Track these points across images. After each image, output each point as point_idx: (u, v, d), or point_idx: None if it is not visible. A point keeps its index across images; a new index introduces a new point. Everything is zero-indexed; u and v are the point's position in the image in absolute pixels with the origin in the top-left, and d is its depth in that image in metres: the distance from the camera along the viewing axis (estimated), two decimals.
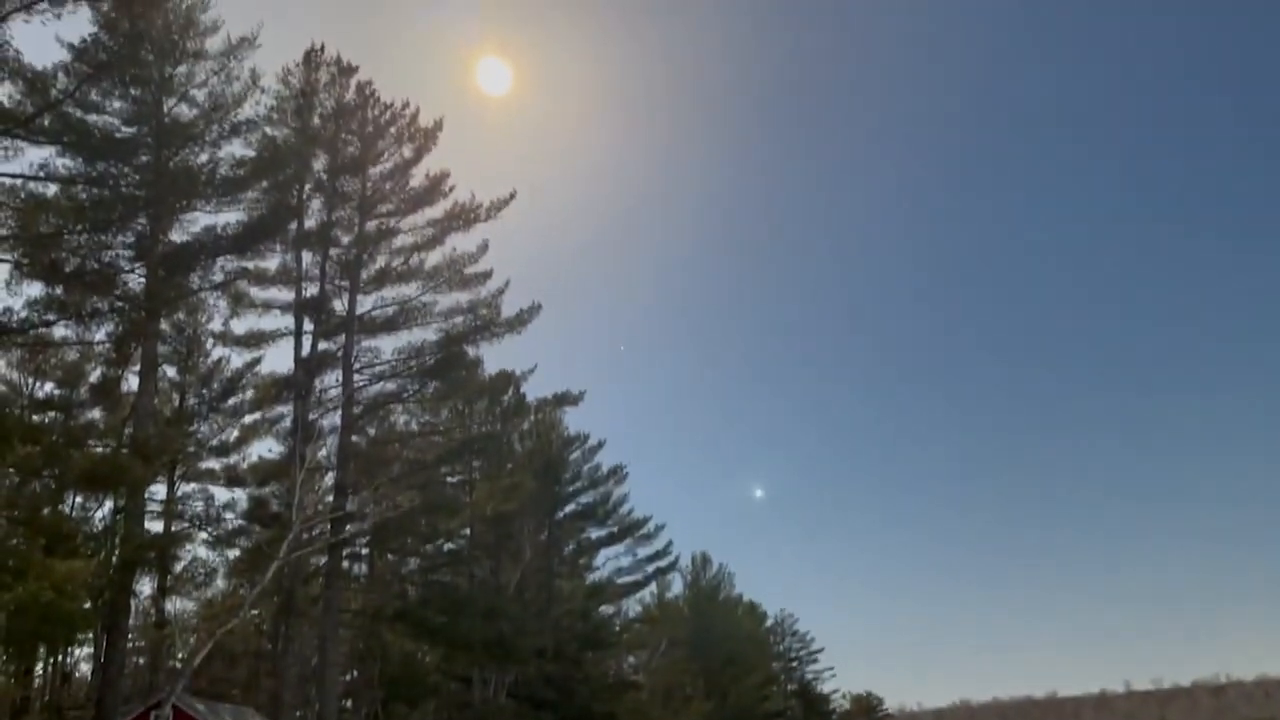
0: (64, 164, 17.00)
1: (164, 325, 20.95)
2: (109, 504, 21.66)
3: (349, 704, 33.89)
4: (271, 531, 19.12)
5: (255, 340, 23.18)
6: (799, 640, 79.55)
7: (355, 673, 33.23)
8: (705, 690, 52.18)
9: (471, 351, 24.18)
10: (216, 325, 22.79)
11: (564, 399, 33.18)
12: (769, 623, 74.33)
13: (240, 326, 23.09)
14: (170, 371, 22.79)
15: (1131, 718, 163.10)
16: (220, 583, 26.49)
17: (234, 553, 22.70)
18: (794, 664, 79.31)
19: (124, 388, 21.01)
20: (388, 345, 23.28)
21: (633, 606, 46.87)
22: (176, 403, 23.24)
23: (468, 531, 29.47)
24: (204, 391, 23.03)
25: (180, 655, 27.61)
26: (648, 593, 50.21)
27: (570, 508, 37.47)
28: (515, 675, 31.60)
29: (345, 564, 23.32)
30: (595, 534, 39.18)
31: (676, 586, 58.90)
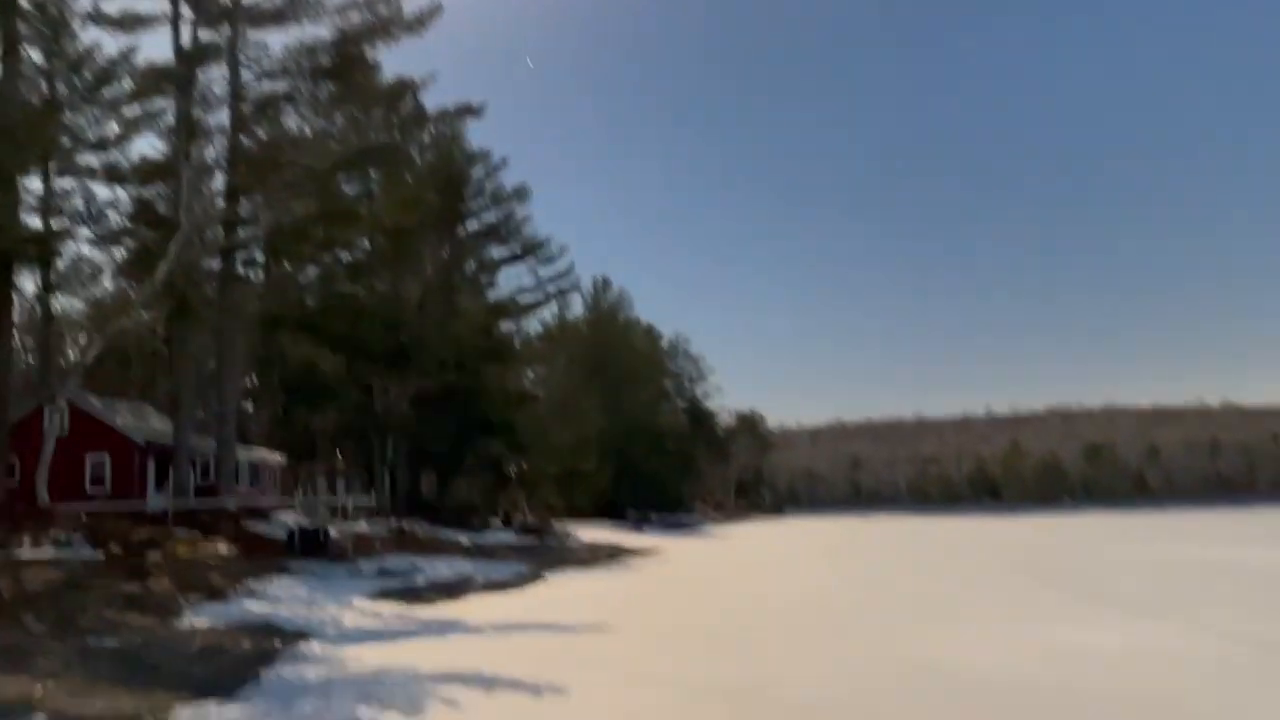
0: None
1: (24, 1, 18.99)
2: None
3: (250, 407, 34.53)
4: (159, 233, 18.48)
5: (130, 23, 21.24)
6: (691, 361, 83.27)
7: (255, 377, 33.62)
8: (600, 405, 54.79)
9: (369, 53, 22.79)
10: (85, 2, 20.71)
11: (466, 110, 31.86)
12: (664, 344, 77.27)
13: (112, 6, 21.07)
14: (36, 56, 20.86)
15: (988, 438, 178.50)
16: (108, 283, 25.85)
17: (120, 253, 21.99)
18: (686, 383, 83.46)
19: None
20: (277, 41, 21.63)
21: (533, 325, 47.92)
22: (45, 90, 21.48)
23: (367, 244, 29.06)
24: (75, 79, 21.25)
25: (71, 354, 27.37)
26: (548, 312, 51.20)
27: (473, 225, 37.15)
28: (416, 385, 32.47)
29: (240, 269, 22.90)
30: (497, 253, 39.16)
31: (577, 308, 60.16)
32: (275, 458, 29.29)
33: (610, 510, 53.30)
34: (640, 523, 53.31)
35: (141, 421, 25.17)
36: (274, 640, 10.29)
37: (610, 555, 29.16)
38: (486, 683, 7.76)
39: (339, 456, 37.42)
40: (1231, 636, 9.08)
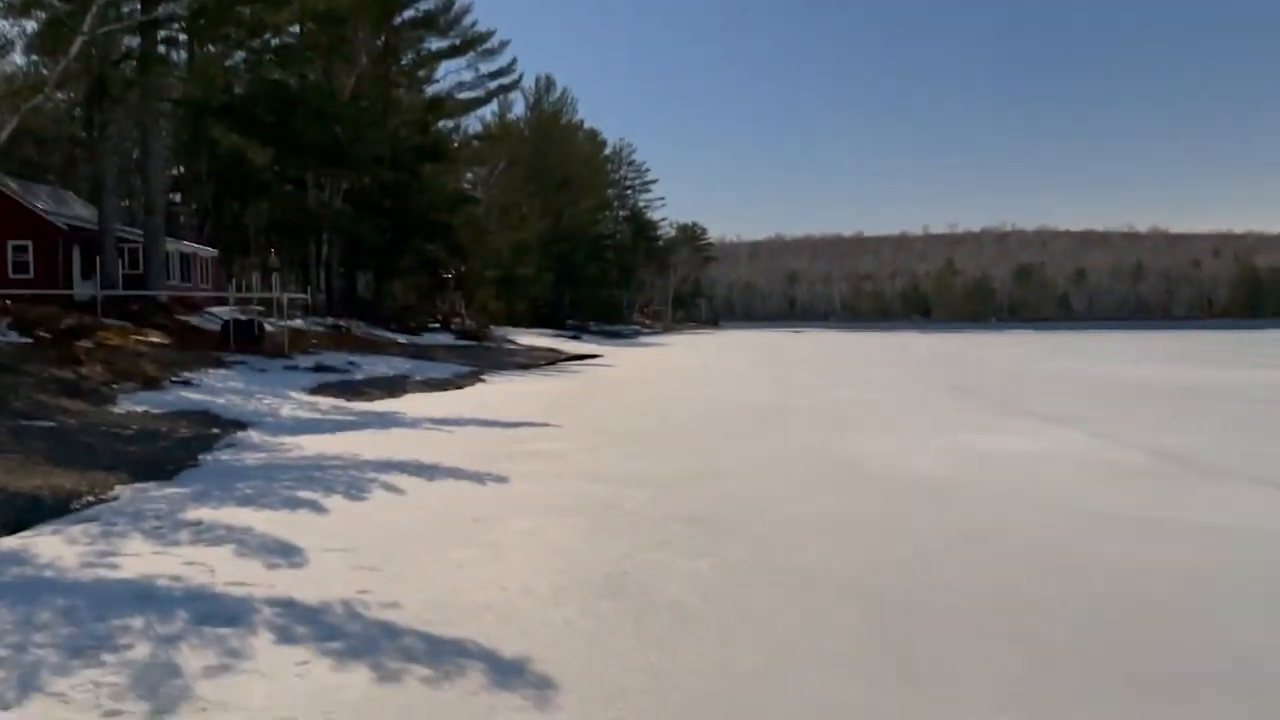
0: None
1: None
2: None
3: (178, 197, 33.36)
4: (71, 4, 17.19)
5: None
6: (634, 170, 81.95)
7: (182, 167, 32.32)
8: (540, 210, 54.05)
9: None
10: None
11: None
12: (607, 151, 75.65)
13: None
14: None
15: (924, 255, 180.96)
16: (19, 58, 24.22)
17: (31, 24, 20.48)
18: (628, 192, 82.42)
19: None
20: None
21: (473, 123, 46.41)
22: None
23: (298, 29, 27.42)
24: None
25: None
26: (489, 111, 49.50)
27: (409, 13, 35.21)
28: (350, 181, 31.56)
29: (161, 49, 21.54)
30: (436, 45, 37.39)
31: (519, 108, 58.22)
32: (207, 251, 28.61)
33: (549, 318, 53.60)
34: (579, 331, 53.82)
35: (64, 207, 24.23)
36: (211, 428, 10.40)
37: (549, 360, 29.59)
38: (428, 470, 7.99)
39: (273, 253, 36.67)
40: (1129, 444, 9.66)
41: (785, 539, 5.64)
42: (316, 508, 6.46)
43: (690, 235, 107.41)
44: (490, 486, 7.40)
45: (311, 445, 9.52)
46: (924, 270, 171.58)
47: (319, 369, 17.75)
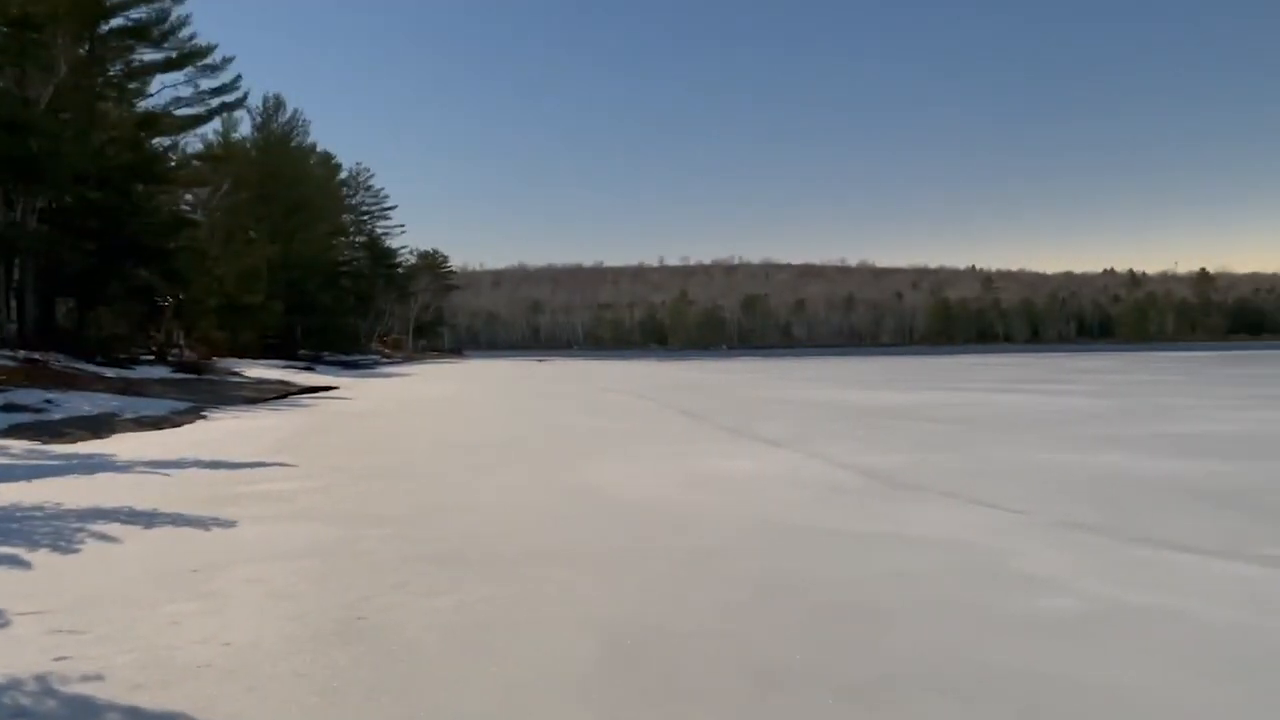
0: None
1: None
2: None
3: None
4: None
5: None
6: (372, 195, 79.87)
7: None
8: (270, 235, 51.34)
9: None
10: None
11: None
12: (343, 175, 73.24)
13: None
14: None
15: (661, 286, 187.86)
16: None
17: None
18: (365, 218, 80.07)
19: None
20: None
21: (193, 143, 43.44)
22: None
23: None
24: None
25: None
26: (211, 129, 46.61)
27: (118, 20, 32.57)
28: (49, 199, 28.61)
29: None
30: (148, 56, 34.78)
31: (245, 128, 55.21)
32: None
33: (280, 349, 50.85)
34: (313, 362, 51.43)
35: None
36: None
37: (279, 394, 28.07)
38: (143, 517, 7.36)
39: None
40: (841, 463, 10.51)
41: (528, 572, 5.67)
42: (13, 563, 5.79)
43: (431, 263, 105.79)
44: (214, 532, 6.93)
45: (5, 495, 8.51)
46: (660, 300, 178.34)
47: (8, 408, 15.89)
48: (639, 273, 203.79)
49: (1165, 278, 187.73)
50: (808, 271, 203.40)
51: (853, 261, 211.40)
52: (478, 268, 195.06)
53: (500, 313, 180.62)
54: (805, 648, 4.21)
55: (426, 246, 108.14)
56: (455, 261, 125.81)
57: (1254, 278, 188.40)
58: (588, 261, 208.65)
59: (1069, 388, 27.06)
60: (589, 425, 16.82)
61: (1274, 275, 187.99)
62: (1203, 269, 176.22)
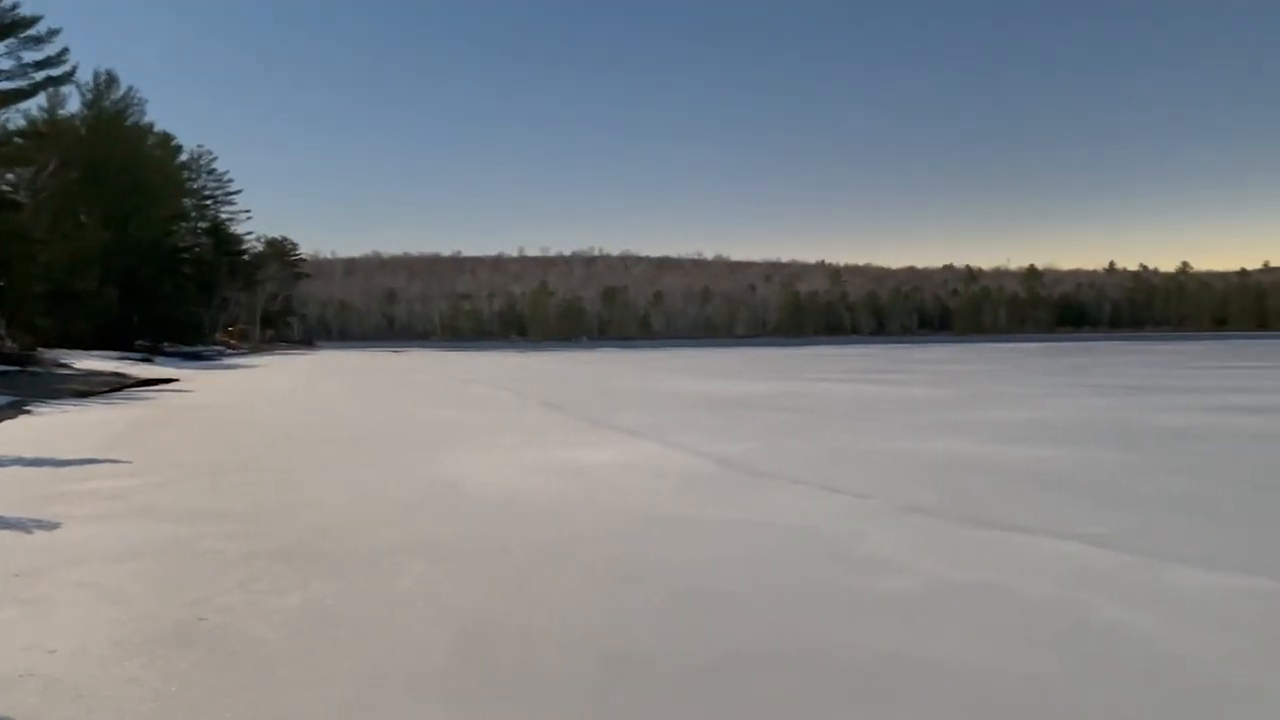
0: None
1: None
2: None
3: None
4: None
5: None
6: (215, 179, 76.17)
7: None
8: (103, 219, 48.36)
9: None
10: None
11: None
12: (183, 157, 69.58)
13: None
14: None
15: (520, 277, 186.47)
16: None
17: None
18: (208, 202, 76.35)
19: None
20: None
21: (15, 118, 40.41)
22: None
23: None
24: None
25: None
26: (35, 105, 43.44)
27: None
28: None
29: None
30: None
31: (74, 105, 51.75)
32: None
33: (115, 339, 47.94)
34: (151, 352, 48.72)
35: None
36: None
37: (113, 386, 26.49)
38: None
39: None
40: (697, 452, 10.72)
41: (380, 567, 5.56)
42: None
43: (280, 250, 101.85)
44: (37, 535, 6.50)
45: None
46: (520, 291, 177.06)
47: None
48: (498, 263, 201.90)
49: (999, 273, 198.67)
50: (665, 264, 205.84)
51: (709, 255, 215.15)
52: (329, 256, 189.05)
53: (354, 302, 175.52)
54: (657, 633, 4.28)
55: (275, 233, 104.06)
56: (305, 249, 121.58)
57: (1077, 274, 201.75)
58: (445, 250, 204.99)
59: (911, 378, 28.36)
60: (447, 417, 16.58)
61: (1094, 273, 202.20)
62: (1032, 266, 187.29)
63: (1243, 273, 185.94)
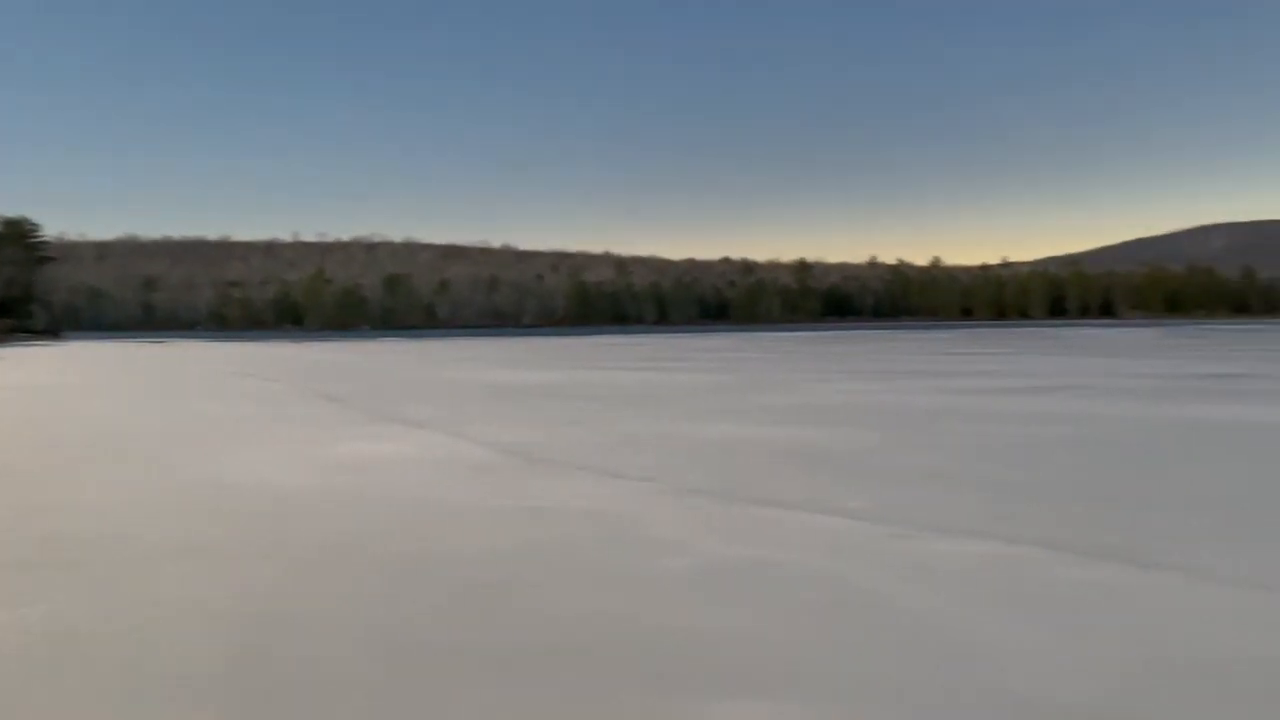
0: None
1: None
2: None
3: None
4: None
5: None
6: None
7: None
8: None
9: None
10: None
11: None
12: None
13: None
14: None
15: (295, 264, 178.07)
16: None
17: None
18: None
19: None
20: None
21: None
22: None
23: None
24: None
25: None
26: None
27: None
28: None
29: None
30: None
31: None
32: None
33: None
34: None
35: None
36: None
37: None
38: None
39: None
40: (481, 442, 10.66)
41: (139, 572, 5.19)
42: None
43: (19, 231, 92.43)
44: None
45: None
46: (295, 278, 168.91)
47: None
48: (271, 248, 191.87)
49: (772, 266, 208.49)
50: (451, 252, 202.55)
51: (496, 243, 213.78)
52: (79, 238, 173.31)
53: (108, 289, 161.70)
54: (441, 625, 4.24)
55: (13, 213, 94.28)
56: (50, 230, 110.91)
57: (842, 267, 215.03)
58: (211, 235, 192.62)
59: (692, 365, 29.33)
60: (216, 413, 15.63)
61: (858, 266, 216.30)
62: (802, 259, 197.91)
63: (985, 267, 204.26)
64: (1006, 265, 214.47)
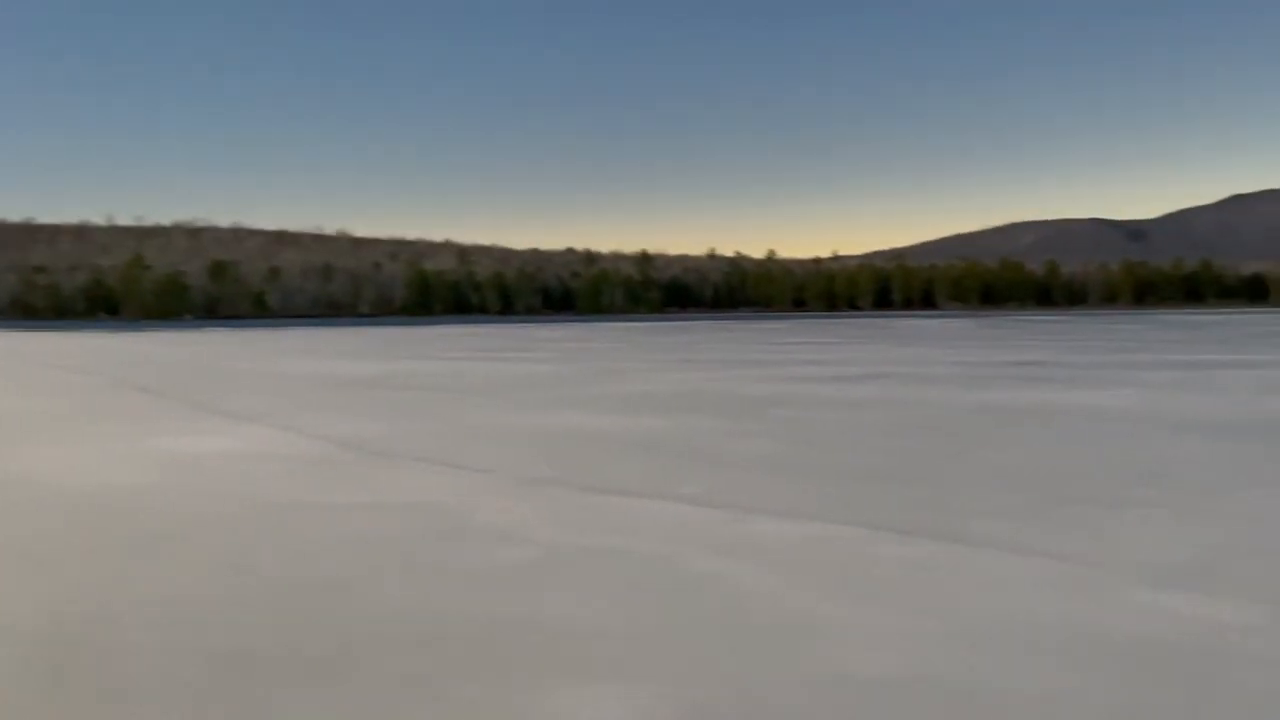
0: None
1: None
2: None
3: None
4: None
5: None
6: None
7: None
8: None
9: None
10: None
11: None
12: None
13: None
14: None
15: (110, 249, 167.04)
16: None
17: None
18: None
19: None
20: None
21: None
22: None
23: None
24: None
25: None
26: None
27: None
28: None
29: None
30: None
31: None
32: None
33: None
34: None
35: None
36: None
37: None
38: None
39: None
40: (315, 435, 10.32)
41: None
42: None
43: None
44: None
45: None
46: (110, 264, 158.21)
47: None
48: (82, 232, 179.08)
49: (616, 257, 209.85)
50: (282, 238, 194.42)
51: (330, 229, 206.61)
52: None
53: None
54: (266, 627, 4.10)
55: None
56: None
57: (684, 259, 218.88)
58: (13, 216, 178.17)
59: (535, 355, 29.23)
60: (20, 407, 14.50)
61: (698, 258, 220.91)
62: (644, 250, 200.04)
63: (817, 260, 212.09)
64: (837, 259, 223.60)
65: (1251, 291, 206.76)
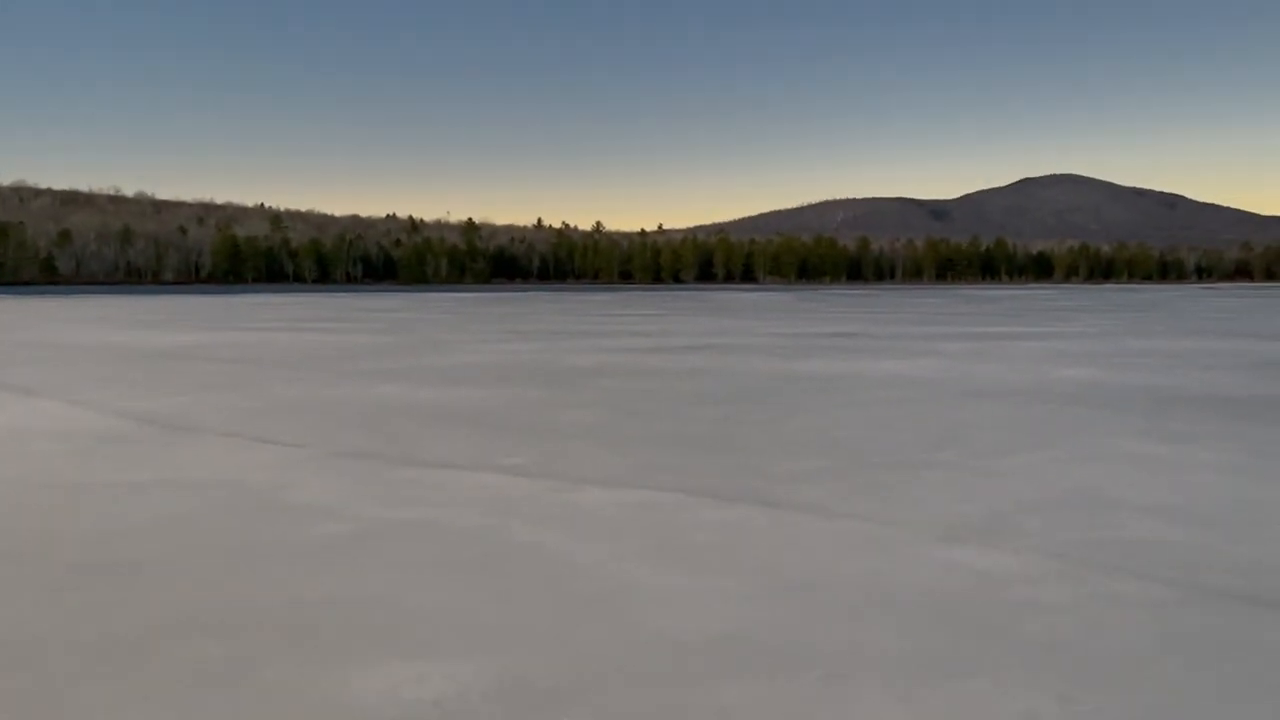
0: None
1: None
2: None
3: None
4: None
5: None
6: None
7: None
8: None
9: None
10: None
11: None
12: None
13: None
14: None
15: None
16: None
17: None
18: None
19: None
20: None
21: None
22: None
23: None
24: None
25: None
26: None
27: None
28: None
29: None
30: None
31: None
32: None
33: None
34: None
35: None
36: None
37: None
38: None
39: None
40: (110, 411, 9.63)
41: None
42: None
43: None
44: None
45: None
46: None
47: None
48: None
49: (440, 225, 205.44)
50: (73, 199, 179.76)
51: (129, 191, 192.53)
52: None
53: None
54: (51, 615, 3.79)
55: None
56: None
57: (510, 229, 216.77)
58: None
59: (354, 326, 28.26)
60: None
61: (525, 228, 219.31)
62: (470, 220, 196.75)
63: (642, 233, 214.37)
64: (662, 232, 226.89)
65: (1039, 268, 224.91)
